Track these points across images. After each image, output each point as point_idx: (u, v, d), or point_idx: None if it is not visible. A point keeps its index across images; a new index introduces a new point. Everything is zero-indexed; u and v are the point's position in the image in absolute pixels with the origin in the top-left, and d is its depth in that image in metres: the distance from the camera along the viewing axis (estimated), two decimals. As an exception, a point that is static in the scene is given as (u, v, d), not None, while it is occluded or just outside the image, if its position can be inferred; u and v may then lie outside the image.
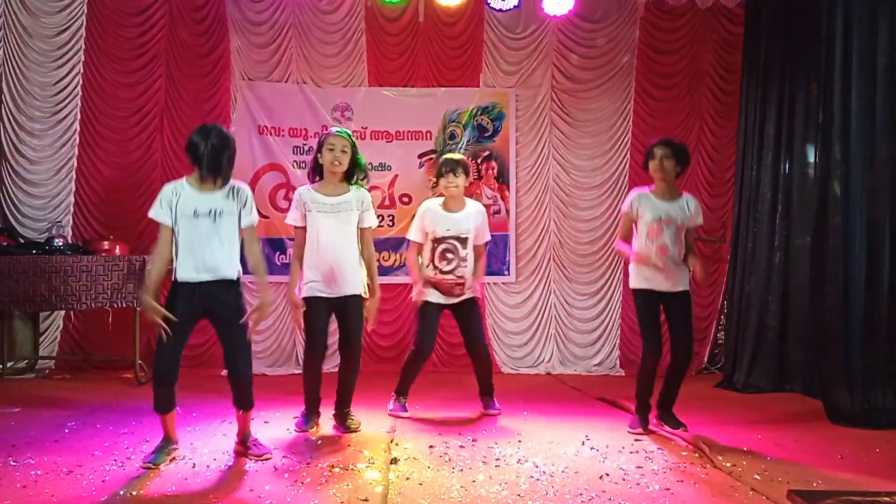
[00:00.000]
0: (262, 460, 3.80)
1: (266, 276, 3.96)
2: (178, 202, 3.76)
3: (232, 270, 3.78)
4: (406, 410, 5.00)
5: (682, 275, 4.57)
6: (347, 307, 4.44)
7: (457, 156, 5.08)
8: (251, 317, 3.77)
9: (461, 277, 4.88)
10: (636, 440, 4.31)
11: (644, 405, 4.63)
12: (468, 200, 5.07)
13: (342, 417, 4.56)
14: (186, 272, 3.73)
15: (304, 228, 4.42)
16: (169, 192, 3.79)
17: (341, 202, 4.40)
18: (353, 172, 4.45)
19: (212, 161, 3.73)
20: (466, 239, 4.91)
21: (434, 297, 4.92)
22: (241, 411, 3.93)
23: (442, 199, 5.01)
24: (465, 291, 4.91)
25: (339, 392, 4.60)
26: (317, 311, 4.41)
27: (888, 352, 4.89)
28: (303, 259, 4.44)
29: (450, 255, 4.89)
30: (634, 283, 4.63)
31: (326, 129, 4.64)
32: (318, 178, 4.48)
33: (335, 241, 4.37)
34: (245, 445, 3.94)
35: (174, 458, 3.78)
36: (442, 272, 4.90)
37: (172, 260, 3.78)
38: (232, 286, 3.80)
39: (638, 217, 4.58)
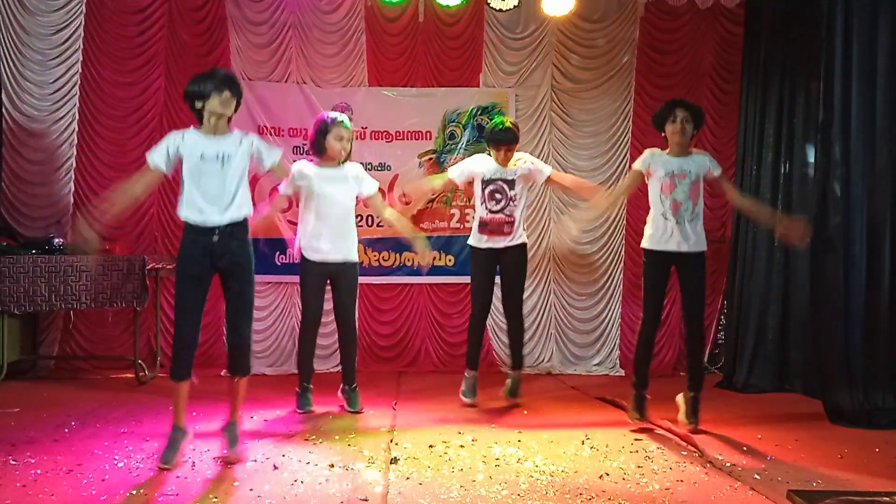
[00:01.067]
0: (228, 461, 3.73)
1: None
2: (183, 146, 3.76)
3: (239, 212, 3.80)
4: (474, 394, 5.30)
5: (697, 235, 4.54)
6: (341, 274, 4.94)
7: (504, 129, 5.21)
8: None
9: (510, 216, 5.20)
10: (636, 440, 4.30)
11: (639, 380, 4.61)
12: (520, 157, 5.37)
13: (347, 395, 5.00)
14: (193, 213, 3.76)
15: (287, 198, 5.17)
16: (173, 137, 3.81)
17: (341, 175, 4.95)
18: (349, 156, 5.04)
19: (226, 76, 3.78)
20: (513, 181, 5.23)
21: (481, 241, 5.26)
22: (237, 378, 3.90)
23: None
24: (512, 231, 5.21)
25: (342, 368, 5.10)
26: (312, 274, 4.96)
27: (888, 352, 4.89)
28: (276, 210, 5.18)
29: (498, 196, 5.22)
30: (644, 241, 4.64)
31: (323, 113, 5.06)
32: (318, 159, 4.96)
33: (336, 209, 4.91)
34: (231, 436, 3.85)
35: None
36: (491, 211, 5.22)
37: (133, 200, 3.89)
38: (239, 231, 3.81)
39: (651, 174, 4.61)
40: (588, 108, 6.99)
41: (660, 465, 3.81)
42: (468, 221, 6.84)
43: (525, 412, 5.06)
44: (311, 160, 5.02)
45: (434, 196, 5.65)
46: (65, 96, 6.46)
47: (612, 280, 6.98)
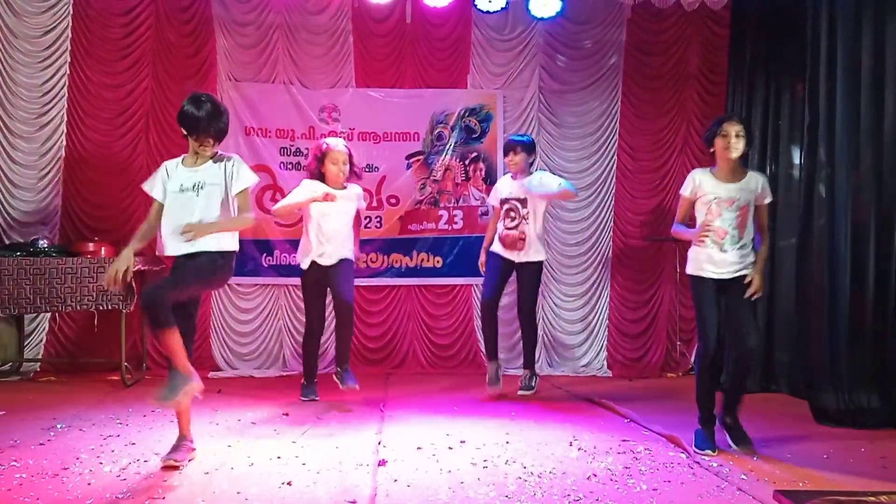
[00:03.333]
0: (170, 464, 3.67)
1: (227, 223, 3.87)
2: (170, 179, 3.89)
3: (209, 242, 3.78)
4: (498, 382, 5.62)
5: (744, 261, 4.13)
6: (337, 268, 5.23)
7: (518, 137, 5.85)
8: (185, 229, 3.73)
9: (522, 233, 5.62)
10: (623, 441, 4.31)
11: (706, 414, 4.23)
12: (535, 172, 5.88)
13: (341, 376, 5.22)
14: (169, 248, 3.83)
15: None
16: (164, 170, 3.93)
17: (342, 200, 5.26)
18: (350, 176, 5.35)
19: (208, 123, 3.78)
20: (525, 200, 5.62)
21: (500, 251, 5.71)
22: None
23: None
24: (525, 248, 5.63)
25: (336, 349, 5.35)
26: (313, 277, 5.31)
27: (873, 352, 4.91)
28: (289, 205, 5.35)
29: (512, 214, 5.67)
30: (689, 267, 4.28)
31: (321, 141, 5.48)
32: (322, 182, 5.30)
33: (337, 224, 5.27)
34: (180, 445, 3.80)
35: (191, 457, 3.82)
36: (507, 228, 5.67)
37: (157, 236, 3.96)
38: (207, 254, 3.78)
39: (697, 198, 4.25)
40: (575, 109, 7.01)
41: (647, 465, 3.82)
42: (456, 223, 6.87)
43: (513, 413, 5.06)
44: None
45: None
46: (53, 98, 6.43)
47: (600, 281, 7.00)
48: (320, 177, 5.30)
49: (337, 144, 5.33)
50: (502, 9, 6.45)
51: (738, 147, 4.13)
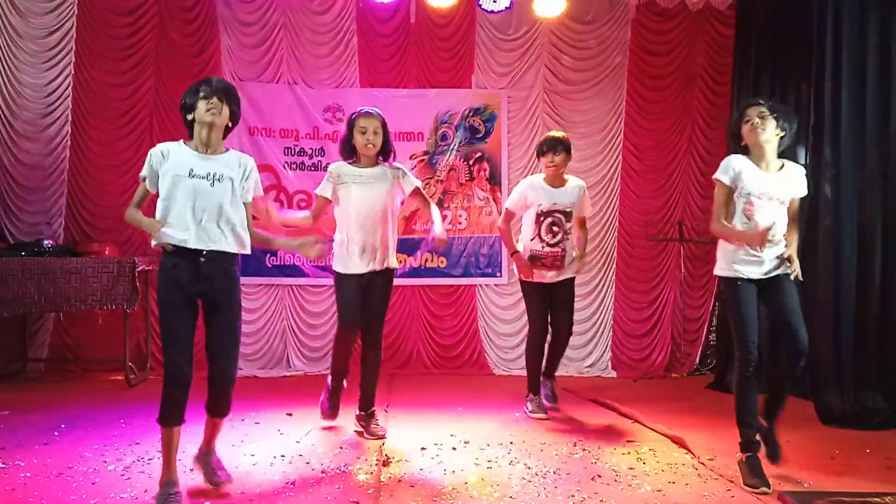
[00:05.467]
0: (220, 487, 3.40)
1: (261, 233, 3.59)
2: (166, 164, 3.34)
3: (228, 244, 3.34)
4: (545, 411, 5.04)
5: (780, 258, 3.67)
6: (373, 284, 4.35)
7: (558, 133, 5.15)
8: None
9: (564, 250, 5.02)
10: (628, 441, 4.30)
11: (752, 435, 3.66)
12: (569, 177, 5.15)
13: (366, 420, 4.46)
14: (181, 235, 3.28)
15: (327, 200, 4.42)
16: (154, 156, 3.37)
17: (376, 174, 4.36)
18: (388, 151, 4.43)
19: (218, 83, 3.39)
20: (570, 213, 5.03)
21: (536, 276, 5.04)
22: (213, 418, 3.48)
23: (543, 175, 5.14)
24: (565, 266, 5.03)
25: (361, 388, 4.52)
26: (348, 287, 4.34)
27: (878, 353, 4.91)
28: (313, 219, 4.48)
29: (556, 229, 5.01)
30: (719, 269, 3.79)
31: (353, 113, 4.45)
32: (352, 159, 4.43)
33: (370, 212, 4.31)
34: (207, 466, 3.48)
35: None
36: (549, 245, 5.01)
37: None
38: (226, 261, 3.35)
39: (735, 188, 3.71)
40: (580, 109, 7.00)
41: (652, 466, 3.81)
42: (460, 223, 6.86)
43: (517, 414, 5.06)
44: (348, 161, 4.47)
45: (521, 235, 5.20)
46: (58, 98, 6.43)
47: (604, 281, 6.98)
48: (351, 150, 4.42)
49: (368, 109, 4.43)
50: (506, 8, 6.44)
51: (764, 128, 3.66)
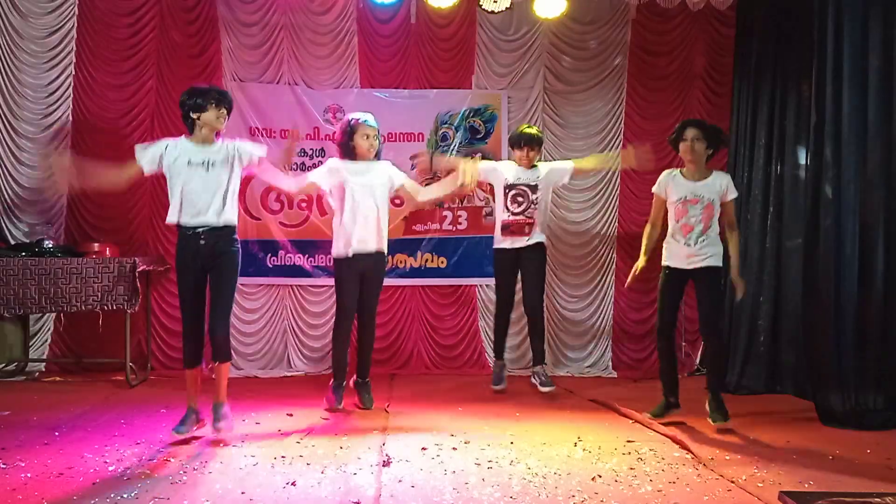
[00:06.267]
0: (220, 438, 4.17)
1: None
2: (172, 156, 4.24)
3: (223, 218, 4.23)
4: (502, 382, 5.85)
5: (712, 251, 4.72)
6: (371, 265, 5.12)
7: (532, 130, 5.82)
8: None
9: (531, 218, 5.65)
10: (629, 441, 4.30)
11: (667, 389, 4.85)
12: (541, 164, 5.89)
13: (361, 388, 5.26)
14: (184, 218, 4.21)
15: (317, 187, 5.23)
16: (163, 145, 4.30)
17: (373, 171, 5.17)
18: (379, 153, 5.28)
19: (222, 93, 4.29)
20: (536, 186, 5.69)
21: (505, 243, 5.71)
22: (218, 363, 4.31)
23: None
24: (531, 232, 5.66)
25: (358, 356, 5.32)
26: (347, 270, 5.10)
27: (879, 353, 4.90)
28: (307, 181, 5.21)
29: (520, 199, 5.66)
30: (663, 258, 4.88)
31: (348, 116, 5.28)
32: (350, 158, 5.16)
33: (368, 201, 5.07)
34: (217, 412, 4.25)
35: (198, 432, 4.24)
36: (513, 214, 5.66)
37: (116, 184, 4.52)
38: (225, 234, 4.25)
39: (667, 197, 4.81)
40: (580, 109, 7.00)
41: (652, 466, 3.81)
42: (461, 223, 6.85)
43: (517, 414, 5.06)
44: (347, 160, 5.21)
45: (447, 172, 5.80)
46: (59, 98, 6.43)
47: (604, 281, 6.98)
48: (349, 151, 5.14)
49: (368, 118, 5.19)
50: (507, 8, 6.43)
51: (695, 150, 4.67)
